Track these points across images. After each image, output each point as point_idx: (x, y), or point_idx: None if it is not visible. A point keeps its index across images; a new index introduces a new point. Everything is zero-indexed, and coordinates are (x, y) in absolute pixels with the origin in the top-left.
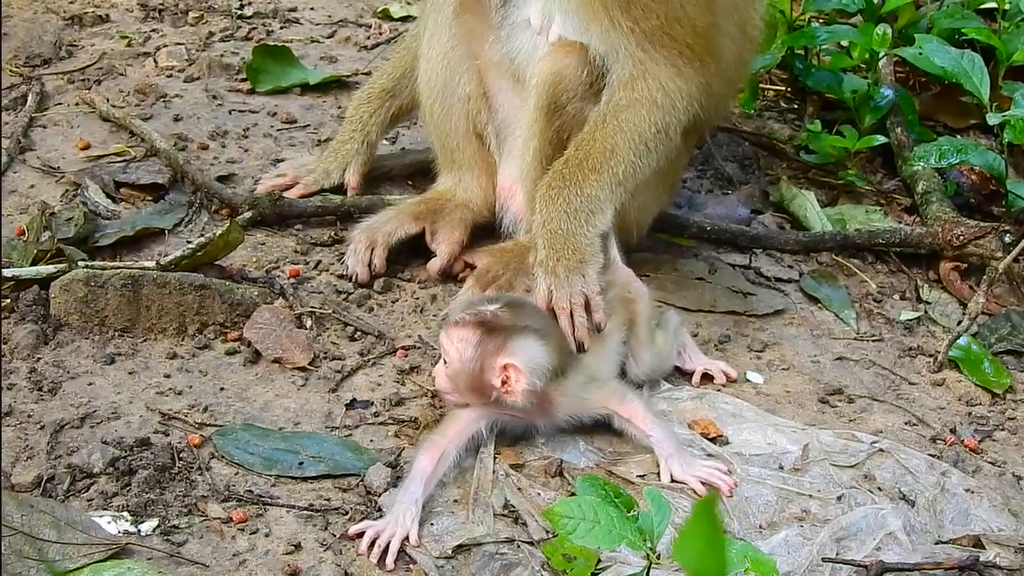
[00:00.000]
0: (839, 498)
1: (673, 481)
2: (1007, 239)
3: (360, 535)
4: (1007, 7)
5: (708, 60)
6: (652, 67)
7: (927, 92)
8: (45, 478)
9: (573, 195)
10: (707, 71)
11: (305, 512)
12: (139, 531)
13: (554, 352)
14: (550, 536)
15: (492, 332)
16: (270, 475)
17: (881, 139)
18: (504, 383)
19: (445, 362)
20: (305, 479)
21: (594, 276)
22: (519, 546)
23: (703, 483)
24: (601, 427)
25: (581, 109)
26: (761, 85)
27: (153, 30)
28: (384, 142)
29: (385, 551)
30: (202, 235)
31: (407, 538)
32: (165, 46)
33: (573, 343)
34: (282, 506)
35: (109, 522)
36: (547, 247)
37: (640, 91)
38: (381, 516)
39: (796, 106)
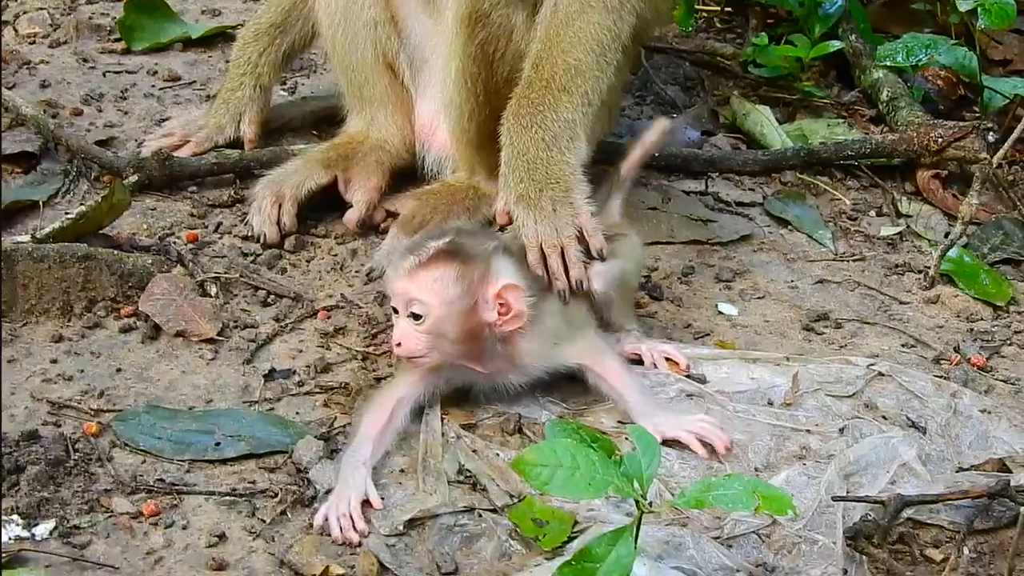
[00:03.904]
0: (841, 431)
1: (664, 442)
2: (991, 138)
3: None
4: None
5: None
6: None
7: (875, 2)
8: None
9: (550, 121)
10: None
11: (227, 498)
12: (33, 535)
13: (527, 268)
14: (516, 501)
15: (467, 261)
16: (183, 460)
17: (837, 44)
18: (502, 310)
19: (417, 316)
20: (224, 461)
21: (583, 202)
22: (480, 515)
23: (698, 439)
24: (560, 377)
25: (507, 16)
26: (695, 6)
27: None
28: (281, 92)
29: (351, 523)
30: (82, 205)
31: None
32: (25, 12)
33: (565, 287)
34: (200, 493)
35: None
36: (527, 180)
37: None
38: (316, 495)
39: (735, 24)
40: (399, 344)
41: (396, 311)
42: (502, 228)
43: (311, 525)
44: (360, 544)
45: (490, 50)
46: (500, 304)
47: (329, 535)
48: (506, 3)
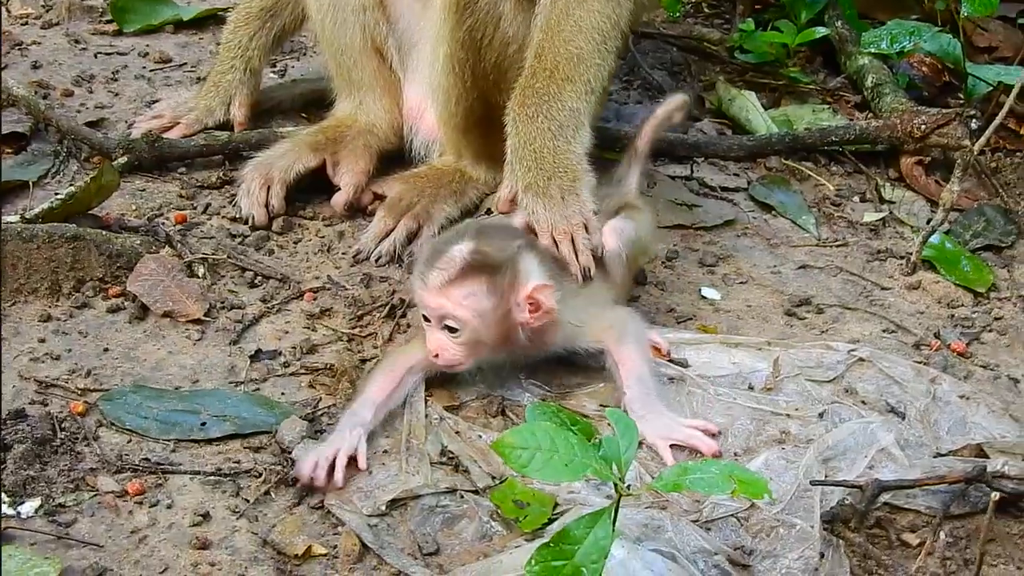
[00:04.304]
0: (821, 415)
1: (641, 444)
2: (973, 125)
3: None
4: None
5: None
6: None
7: None
8: None
9: (555, 110)
10: None
11: (212, 478)
12: (19, 513)
13: (549, 259)
14: (497, 482)
15: (495, 271)
16: (168, 440)
17: (823, 31)
18: (533, 309)
19: (452, 330)
20: (209, 441)
21: (588, 196)
22: (462, 496)
23: (680, 445)
24: (544, 359)
25: (495, 3)
26: None
27: None
28: (271, 74)
29: (332, 468)
30: (72, 185)
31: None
32: None
33: (578, 271)
34: (185, 473)
35: None
36: (535, 169)
37: None
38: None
39: (722, 9)
40: (437, 355)
41: (427, 320)
42: (489, 212)
43: (295, 505)
44: (325, 496)
45: (478, 36)
46: (531, 304)
47: (298, 470)
48: None
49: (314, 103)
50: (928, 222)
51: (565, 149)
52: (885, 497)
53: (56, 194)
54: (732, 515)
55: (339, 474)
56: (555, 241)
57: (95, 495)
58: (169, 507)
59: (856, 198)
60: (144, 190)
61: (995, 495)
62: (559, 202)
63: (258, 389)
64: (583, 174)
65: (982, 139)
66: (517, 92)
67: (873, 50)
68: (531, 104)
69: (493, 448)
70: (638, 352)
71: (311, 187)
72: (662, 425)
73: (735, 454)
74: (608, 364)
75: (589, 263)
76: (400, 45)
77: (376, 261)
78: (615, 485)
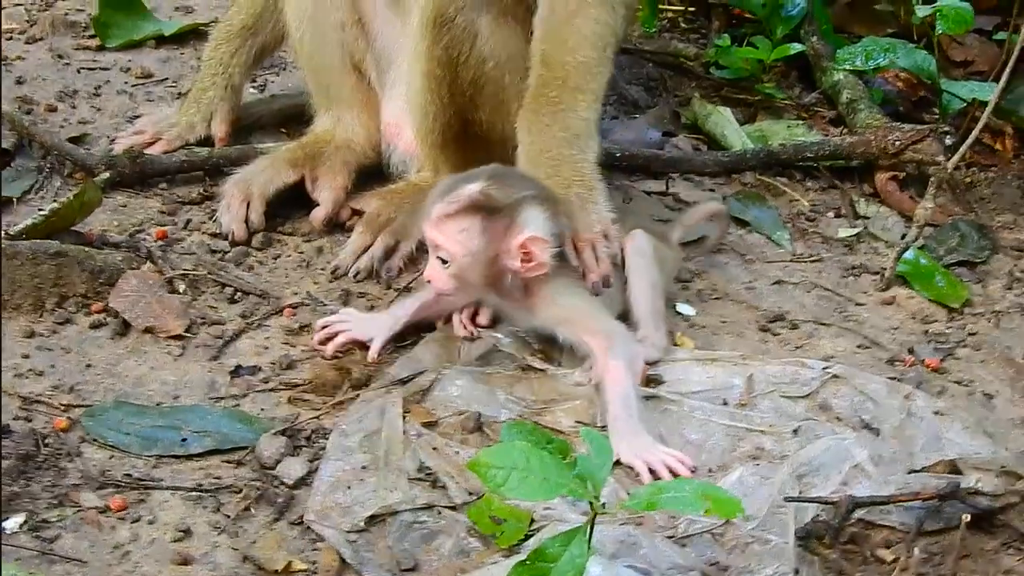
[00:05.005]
0: (795, 431)
1: (617, 463)
2: (948, 141)
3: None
4: None
5: None
6: None
7: (837, 2)
8: None
9: (570, 120)
10: None
11: (193, 493)
12: (4, 529)
13: (558, 214)
14: (474, 498)
15: (493, 213)
16: (150, 456)
17: (798, 47)
18: (526, 260)
19: (444, 260)
20: (190, 457)
21: (605, 204)
22: (440, 512)
23: (651, 471)
24: (523, 375)
25: (472, 21)
26: (659, 5)
27: None
28: (251, 89)
29: (331, 338)
30: (55, 202)
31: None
32: (3, 7)
33: (597, 279)
34: (166, 489)
35: None
36: (553, 176)
37: None
38: (280, 490)
39: (698, 24)
40: (429, 280)
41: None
42: None
43: (275, 521)
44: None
45: (454, 53)
46: (524, 253)
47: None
48: (470, 7)
49: (294, 118)
50: (903, 237)
51: (580, 158)
52: (859, 513)
53: (39, 210)
54: (707, 531)
55: (330, 348)
56: (575, 248)
57: (78, 511)
58: (151, 523)
59: (831, 213)
60: (126, 206)
61: (966, 516)
62: (579, 209)
63: (238, 405)
64: (598, 183)
65: (955, 157)
66: (529, 100)
67: (848, 67)
68: (546, 113)
69: (469, 468)
70: (627, 372)
71: (290, 202)
72: (640, 445)
73: (709, 470)
74: (593, 372)
75: (608, 272)
76: (378, 62)
77: (355, 277)
78: (590, 503)
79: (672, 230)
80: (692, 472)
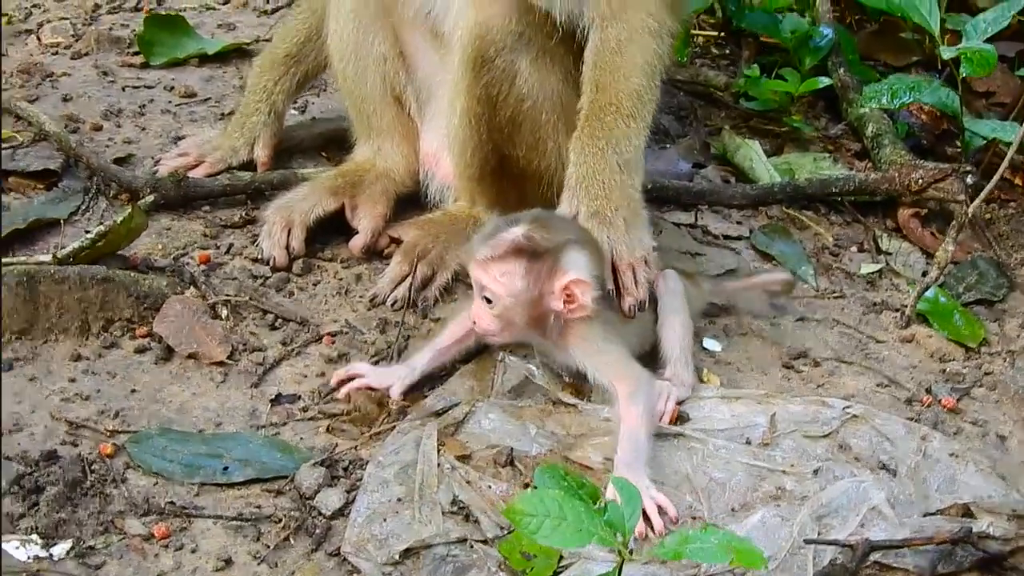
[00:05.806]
0: (815, 472)
1: None
2: (969, 180)
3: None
4: None
5: None
6: None
7: (864, 30)
8: None
9: (623, 147)
10: None
11: (234, 522)
12: (51, 555)
13: (599, 259)
14: (505, 533)
15: (536, 256)
16: (193, 483)
17: (825, 81)
18: (568, 301)
19: (488, 301)
20: (232, 485)
21: (647, 232)
22: (472, 546)
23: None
24: (554, 409)
25: (512, 62)
26: (691, 31)
27: (34, 5)
28: (292, 111)
29: (347, 380)
30: (101, 223)
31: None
32: (48, 21)
33: (634, 302)
34: (208, 517)
35: (17, 547)
36: (602, 198)
37: (633, 20)
38: (318, 521)
39: (729, 51)
40: (475, 321)
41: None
42: None
43: (313, 551)
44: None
45: (494, 92)
46: (567, 295)
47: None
48: (511, 49)
49: (334, 141)
50: (924, 274)
51: (629, 184)
52: (875, 556)
53: (86, 231)
54: (729, 571)
55: (342, 391)
56: (614, 270)
57: (123, 538)
58: (193, 551)
59: (854, 248)
60: (170, 228)
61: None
62: (624, 233)
63: (278, 433)
64: (643, 210)
65: (975, 202)
66: (583, 124)
67: (875, 105)
68: (601, 137)
69: (505, 515)
70: (643, 418)
71: (330, 229)
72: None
73: (732, 509)
74: (613, 408)
75: (644, 297)
76: (418, 95)
77: (392, 306)
78: (619, 551)
79: (729, 281)
80: (674, 523)
